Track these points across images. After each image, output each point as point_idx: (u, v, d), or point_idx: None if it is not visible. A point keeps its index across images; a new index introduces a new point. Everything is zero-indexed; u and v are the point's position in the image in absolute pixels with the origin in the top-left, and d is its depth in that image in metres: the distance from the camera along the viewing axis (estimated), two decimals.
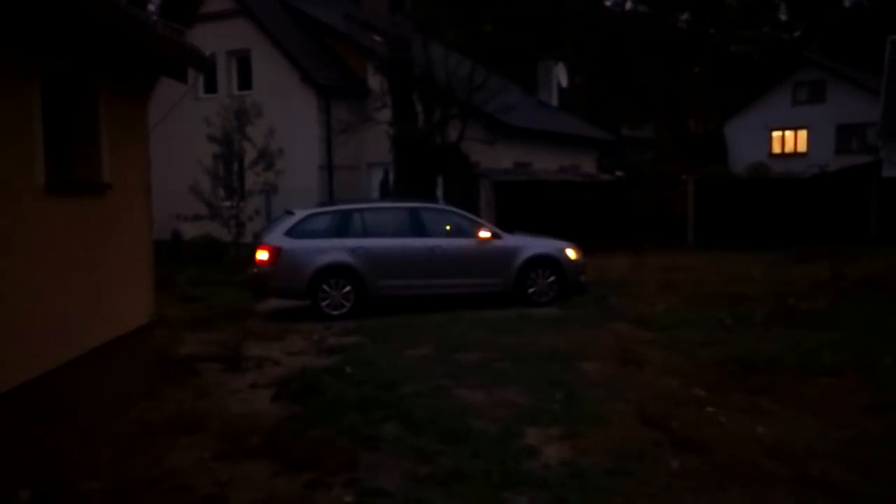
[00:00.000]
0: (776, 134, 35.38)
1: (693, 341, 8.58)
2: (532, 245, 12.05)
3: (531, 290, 11.74)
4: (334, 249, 11.23)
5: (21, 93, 4.92)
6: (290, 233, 11.27)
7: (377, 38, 21.02)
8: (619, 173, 25.83)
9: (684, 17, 46.93)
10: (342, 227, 11.46)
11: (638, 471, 4.90)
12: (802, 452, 5.11)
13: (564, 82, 28.48)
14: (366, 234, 11.43)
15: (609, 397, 6.49)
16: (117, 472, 5.05)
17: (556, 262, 11.91)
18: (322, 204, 14.29)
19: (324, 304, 11.14)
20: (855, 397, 6.36)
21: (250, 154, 17.99)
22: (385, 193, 18.94)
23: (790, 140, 35.23)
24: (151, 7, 31.08)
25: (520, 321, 10.20)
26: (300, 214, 11.53)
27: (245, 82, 21.30)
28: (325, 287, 11.13)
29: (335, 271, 11.17)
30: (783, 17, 48.01)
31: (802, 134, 34.69)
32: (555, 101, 27.67)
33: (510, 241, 11.93)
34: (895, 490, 4.62)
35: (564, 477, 4.84)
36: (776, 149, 35.32)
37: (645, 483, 4.72)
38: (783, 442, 5.31)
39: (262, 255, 11.23)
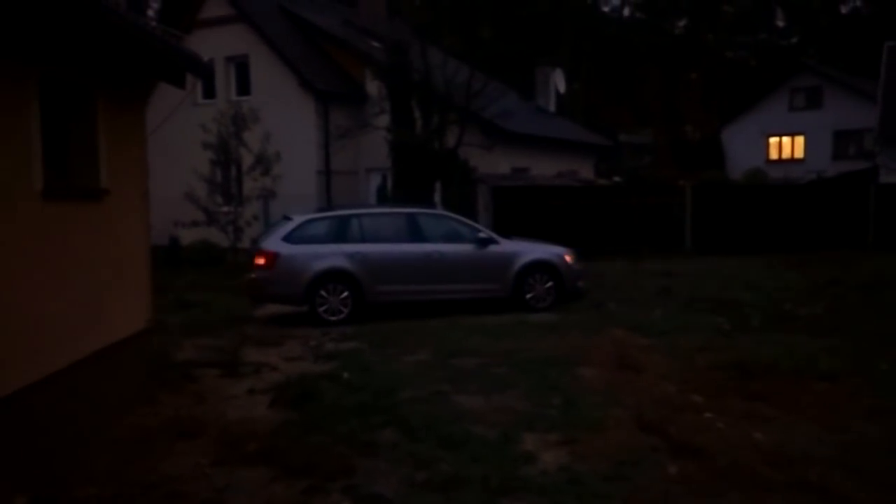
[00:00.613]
0: (773, 140, 35.47)
1: (691, 347, 8.59)
2: (530, 250, 12.05)
3: (529, 296, 11.75)
4: (332, 255, 11.23)
5: (19, 99, 4.92)
6: (288, 238, 11.26)
7: (375, 44, 21.05)
8: (616, 179, 25.87)
9: (681, 23, 47.09)
10: (340, 232, 11.46)
11: (636, 477, 4.90)
12: (800, 458, 5.12)
13: (562, 88, 28.54)
14: (363, 239, 11.43)
15: (607, 403, 6.49)
16: (114, 477, 5.04)
17: (553, 268, 11.91)
18: (320, 209, 14.30)
19: (321, 309, 11.13)
20: (852, 403, 6.37)
21: (247, 159, 18.00)
22: (383, 199, 18.94)
23: (787, 146, 35.33)
24: (150, 13, 31.14)
25: (517, 327, 10.20)
26: (298, 220, 11.53)
27: (243, 88, 21.33)
28: (323, 292, 11.13)
29: (333, 277, 11.17)
30: (780, 24, 48.19)
31: (799, 140, 34.79)
32: (552, 107, 27.72)
33: (508, 246, 11.94)
34: (893, 495, 4.62)
35: (562, 483, 4.84)
36: (773, 155, 35.41)
37: (643, 489, 4.72)
38: (781, 447, 5.32)
39: (259, 260, 11.23)
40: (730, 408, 6.28)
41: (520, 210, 17.40)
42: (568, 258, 12.09)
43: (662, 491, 4.69)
